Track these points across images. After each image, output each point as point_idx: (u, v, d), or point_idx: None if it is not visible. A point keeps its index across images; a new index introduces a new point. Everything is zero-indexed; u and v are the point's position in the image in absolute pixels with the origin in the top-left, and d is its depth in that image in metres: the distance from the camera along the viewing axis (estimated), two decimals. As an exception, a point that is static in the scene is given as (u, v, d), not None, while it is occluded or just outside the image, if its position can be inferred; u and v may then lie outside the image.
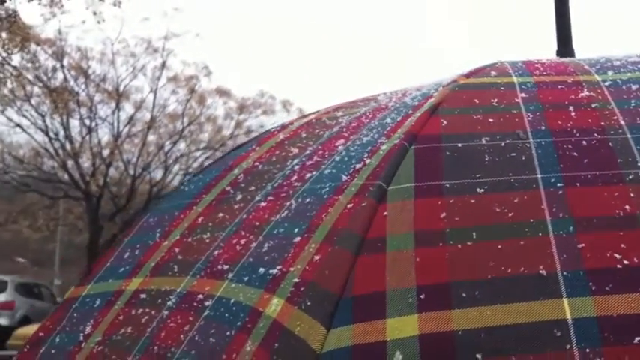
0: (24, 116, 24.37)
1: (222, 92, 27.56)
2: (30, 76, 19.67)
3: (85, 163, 25.84)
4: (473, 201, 0.90)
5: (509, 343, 0.75)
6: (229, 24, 61.47)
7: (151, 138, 26.90)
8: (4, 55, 10.76)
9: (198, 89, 26.86)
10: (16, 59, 13.36)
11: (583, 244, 0.83)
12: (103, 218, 25.97)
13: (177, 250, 1.18)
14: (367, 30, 74.01)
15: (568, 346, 0.74)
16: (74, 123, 25.23)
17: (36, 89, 23.44)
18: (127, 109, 26.17)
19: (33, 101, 24.20)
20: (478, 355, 0.74)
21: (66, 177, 26.16)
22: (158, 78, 25.94)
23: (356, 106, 1.38)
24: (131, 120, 26.17)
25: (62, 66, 23.87)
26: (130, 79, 25.67)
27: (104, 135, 26.14)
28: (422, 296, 0.80)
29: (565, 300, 0.77)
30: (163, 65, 25.73)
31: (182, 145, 27.61)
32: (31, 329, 14.47)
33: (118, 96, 25.39)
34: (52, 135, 25.09)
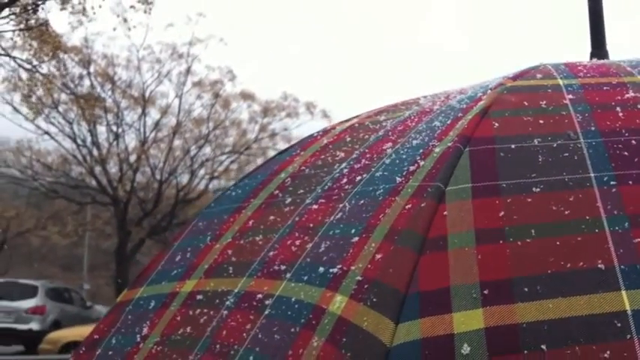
0: (52, 123, 24.78)
1: (247, 96, 27.70)
2: (57, 84, 19.93)
3: (113, 168, 26.18)
4: (530, 200, 0.93)
5: (572, 335, 0.79)
6: (253, 28, 61.83)
7: (177, 143, 27.18)
8: (35, 62, 10.98)
9: (222, 94, 27.06)
10: (43, 67, 13.57)
11: (638, 240, 0.87)
12: (131, 223, 26.25)
13: (230, 252, 1.22)
14: (393, 31, 73.88)
15: (629, 336, 0.78)
16: (101, 129, 25.64)
17: (63, 96, 23.76)
18: (153, 114, 26.49)
19: (60, 108, 24.57)
20: (543, 347, 0.78)
21: (93, 183, 26.52)
22: (183, 83, 26.20)
23: (398, 110, 1.41)
24: (157, 125, 26.45)
25: (89, 73, 24.23)
26: (156, 84, 25.96)
27: (131, 141, 26.46)
28: (485, 292, 0.84)
29: (624, 292, 0.82)
30: (188, 70, 25.98)
31: (207, 150, 27.84)
32: (61, 334, 14.66)
33: (144, 102, 25.65)
34: (79, 142, 25.47)
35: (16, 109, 23.26)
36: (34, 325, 18.33)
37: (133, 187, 26.09)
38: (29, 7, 9.73)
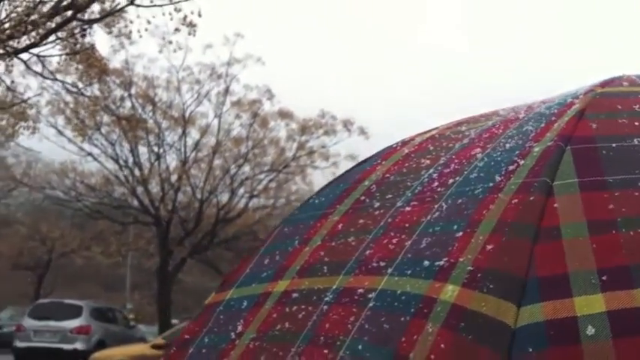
0: (95, 145, 25.35)
1: (285, 114, 27.93)
2: (101, 106, 20.42)
3: (154, 188, 26.59)
4: (637, 194, 1.01)
5: None
6: (290, 46, 62.45)
7: (217, 162, 27.52)
8: (81, 86, 11.31)
9: (261, 113, 27.34)
10: (88, 90, 13.89)
11: None
12: (173, 242, 26.59)
13: (322, 253, 1.28)
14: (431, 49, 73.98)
15: None
16: (143, 150, 26.14)
17: (105, 118, 24.28)
18: (193, 134, 26.90)
19: (103, 130, 25.11)
20: None
21: (136, 203, 26.96)
22: (222, 103, 26.58)
23: (479, 121, 1.50)
24: (197, 145, 26.84)
25: (130, 95, 24.75)
26: (196, 105, 26.39)
27: (172, 161, 26.89)
28: (604, 277, 0.91)
29: None
30: (227, 90, 26.34)
31: (247, 168, 28.12)
32: (106, 353, 14.81)
33: (185, 122, 26.07)
34: (121, 162, 25.99)
35: (60, 132, 23.92)
36: (79, 345, 18.62)
37: (175, 206, 26.45)
38: (76, 32, 10.03)
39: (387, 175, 1.41)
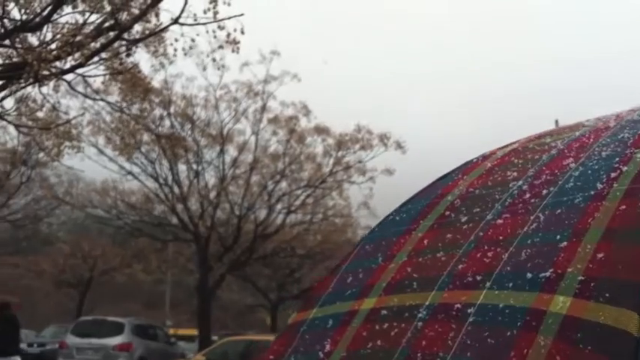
0: (135, 164, 25.70)
1: (321, 130, 27.96)
2: (142, 125, 20.74)
3: (193, 205, 26.83)
4: None
5: None
6: (325, 62, 62.78)
7: (255, 178, 27.65)
8: (124, 104, 11.49)
9: (297, 129, 27.40)
10: (128, 109, 14.09)
11: None
12: (212, 259, 26.75)
13: (409, 269, 1.27)
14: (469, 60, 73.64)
15: None
16: (181, 167, 26.40)
17: (145, 137, 24.63)
18: (231, 151, 27.10)
19: (143, 149, 25.45)
20: None
21: (175, 220, 27.21)
22: (259, 120, 26.74)
23: (564, 132, 1.49)
24: (235, 162, 27.03)
25: (169, 114, 25.05)
26: (233, 122, 26.60)
27: (210, 178, 27.12)
28: None
29: None
30: (264, 108, 26.51)
31: (284, 184, 28.19)
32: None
33: (222, 140, 26.30)
34: (161, 180, 26.26)
35: (100, 151, 24.35)
36: (122, 362, 18.78)
37: (214, 223, 26.64)
38: (121, 52, 10.22)
39: (472, 189, 1.41)
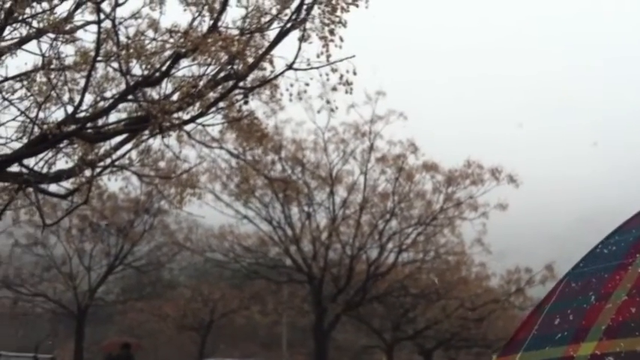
0: (249, 208, 26.45)
1: (430, 167, 27.70)
2: (256, 170, 21.35)
3: (306, 247, 27.19)
4: None
5: None
6: (431, 98, 62.55)
7: (365, 218, 27.67)
8: (240, 150, 11.88)
9: (405, 167, 27.27)
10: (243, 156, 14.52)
11: None
12: (326, 299, 26.86)
13: (633, 310, 1.17)
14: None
15: None
16: (294, 210, 26.89)
17: (258, 182, 25.32)
18: (341, 192, 27.31)
19: (256, 193, 26.17)
20: None
21: (289, 262, 27.66)
22: (367, 160, 26.86)
23: None
24: (345, 203, 27.20)
25: (280, 158, 25.65)
26: (342, 163, 26.88)
27: (321, 219, 27.42)
28: None
29: None
30: (371, 147, 26.61)
31: (394, 223, 28.05)
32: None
33: (332, 181, 26.60)
34: (274, 223, 26.85)
35: (217, 197, 25.23)
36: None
37: (326, 264, 26.81)
38: (238, 100, 10.55)
39: None
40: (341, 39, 9.73)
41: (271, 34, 10.11)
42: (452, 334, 32.63)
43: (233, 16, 10.33)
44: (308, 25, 9.77)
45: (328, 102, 11.22)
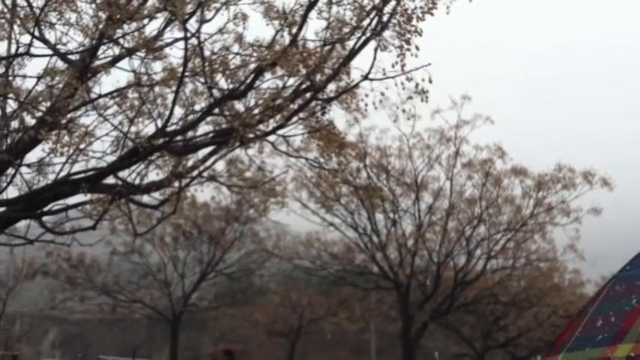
0: (335, 215, 26.75)
1: (518, 171, 27.13)
2: (340, 179, 21.62)
3: (392, 254, 27.18)
4: None
5: None
6: (517, 101, 61.10)
7: (451, 224, 27.40)
8: (322, 160, 12.14)
9: (493, 172, 26.85)
10: (328, 164, 14.77)
11: None
12: (413, 306, 26.76)
13: None
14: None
15: None
16: (379, 217, 26.97)
17: (344, 189, 25.57)
18: (426, 198, 27.21)
19: (342, 201, 26.44)
20: None
21: (376, 269, 27.74)
22: (453, 166, 26.62)
23: None
24: (431, 209, 27.05)
25: (365, 165, 25.81)
26: (427, 170, 26.79)
27: (407, 226, 27.38)
28: None
29: None
30: (457, 153, 26.37)
31: (482, 229, 27.61)
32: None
33: (417, 187, 26.52)
34: (360, 230, 27.02)
35: (304, 205, 25.71)
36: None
37: (413, 270, 26.72)
38: (317, 111, 10.85)
39: None
40: (417, 47, 9.86)
41: (350, 44, 10.36)
42: (545, 342, 31.72)
43: (314, 27, 10.63)
44: (385, 34, 9.95)
45: (404, 111, 11.32)
